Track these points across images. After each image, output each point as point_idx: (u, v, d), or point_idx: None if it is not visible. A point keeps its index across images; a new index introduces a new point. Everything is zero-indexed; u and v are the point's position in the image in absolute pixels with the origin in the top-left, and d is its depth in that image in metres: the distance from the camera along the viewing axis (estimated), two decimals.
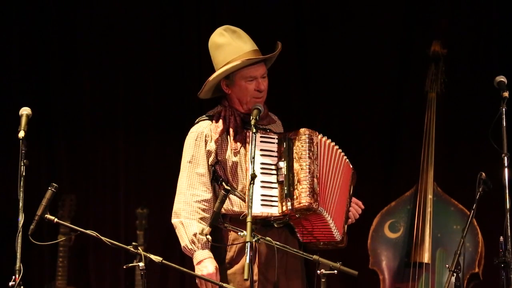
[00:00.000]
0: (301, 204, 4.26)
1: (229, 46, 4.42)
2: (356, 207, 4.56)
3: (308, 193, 4.26)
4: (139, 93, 7.07)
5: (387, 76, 6.79)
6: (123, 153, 7.08)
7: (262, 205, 4.26)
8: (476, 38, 6.63)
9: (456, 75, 6.44)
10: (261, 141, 4.35)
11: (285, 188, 4.30)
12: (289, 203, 4.29)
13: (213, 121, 4.47)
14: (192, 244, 4.35)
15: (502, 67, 6.41)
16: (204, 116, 4.54)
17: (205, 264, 4.32)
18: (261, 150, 4.34)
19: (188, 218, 4.38)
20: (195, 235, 4.34)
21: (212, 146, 4.43)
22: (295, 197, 4.28)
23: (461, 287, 4.46)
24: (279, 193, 4.32)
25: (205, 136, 4.45)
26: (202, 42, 6.92)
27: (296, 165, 4.32)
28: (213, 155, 4.43)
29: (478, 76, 6.53)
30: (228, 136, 4.44)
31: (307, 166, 4.30)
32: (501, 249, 4.40)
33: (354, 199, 4.57)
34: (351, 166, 4.54)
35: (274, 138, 4.40)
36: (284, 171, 4.33)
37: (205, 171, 4.43)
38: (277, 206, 4.32)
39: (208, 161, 4.44)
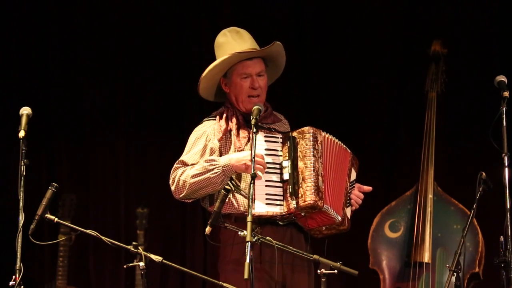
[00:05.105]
0: (306, 202, 4.27)
1: (228, 45, 4.46)
2: (358, 193, 4.53)
3: (313, 191, 4.27)
4: (139, 93, 7.07)
5: (387, 76, 6.79)
6: (123, 153, 7.07)
7: (267, 204, 4.27)
8: (476, 38, 6.63)
9: (456, 75, 6.44)
10: (265, 141, 4.37)
11: (290, 186, 4.30)
12: (294, 202, 4.29)
13: (217, 120, 4.50)
14: (210, 164, 4.33)
15: (502, 67, 6.41)
16: (209, 116, 4.57)
17: (236, 157, 4.30)
18: (265, 149, 4.36)
19: (183, 171, 4.42)
20: (203, 161, 4.34)
21: (215, 143, 4.46)
22: (300, 195, 4.28)
23: (461, 287, 4.46)
24: (283, 192, 4.33)
25: (207, 135, 4.48)
26: (202, 42, 6.98)
27: (300, 164, 4.32)
28: (217, 152, 4.45)
29: (478, 76, 6.52)
30: (232, 135, 4.47)
31: (312, 164, 4.31)
32: (501, 249, 4.40)
33: (357, 185, 4.55)
34: (349, 151, 4.52)
35: (278, 137, 4.41)
36: (288, 169, 4.33)
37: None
38: (282, 204, 4.32)
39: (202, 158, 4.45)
